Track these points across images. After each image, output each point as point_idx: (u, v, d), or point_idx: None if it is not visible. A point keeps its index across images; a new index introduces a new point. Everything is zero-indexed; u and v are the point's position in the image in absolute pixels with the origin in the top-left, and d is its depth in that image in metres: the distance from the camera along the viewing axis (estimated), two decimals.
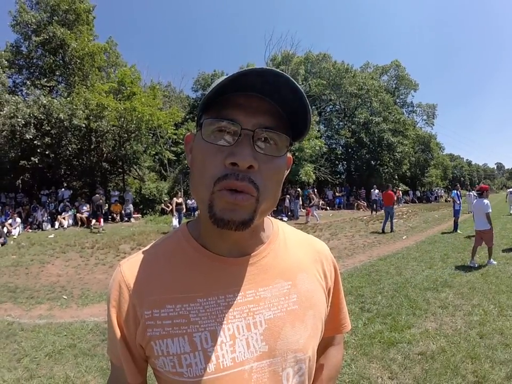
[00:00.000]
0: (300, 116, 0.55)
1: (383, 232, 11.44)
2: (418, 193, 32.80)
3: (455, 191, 11.74)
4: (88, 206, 13.53)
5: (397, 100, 33.97)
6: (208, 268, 0.61)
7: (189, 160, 0.62)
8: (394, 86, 34.50)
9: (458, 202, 11.15)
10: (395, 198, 14.08)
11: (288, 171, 0.65)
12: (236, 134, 0.52)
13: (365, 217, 16.24)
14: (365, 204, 21.23)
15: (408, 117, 33.28)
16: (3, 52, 15.41)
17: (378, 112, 26.03)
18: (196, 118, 0.61)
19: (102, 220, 12.06)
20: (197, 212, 14.35)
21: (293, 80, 0.51)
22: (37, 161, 13.42)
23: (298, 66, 23.44)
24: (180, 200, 12.19)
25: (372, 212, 17.87)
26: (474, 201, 7.18)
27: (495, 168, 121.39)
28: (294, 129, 0.57)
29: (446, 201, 32.58)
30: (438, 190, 36.82)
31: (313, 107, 24.16)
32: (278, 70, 0.50)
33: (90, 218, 12.53)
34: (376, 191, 18.07)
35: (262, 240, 0.66)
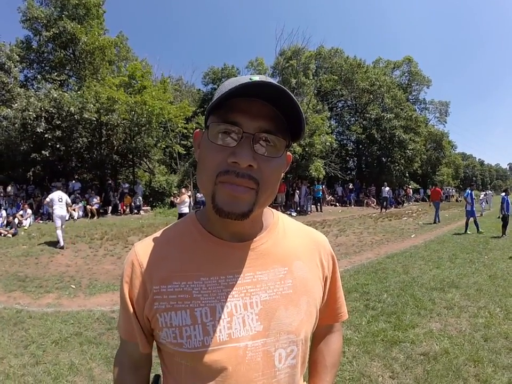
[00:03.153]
0: (295, 121, 0.61)
1: (435, 223, 13.42)
2: (429, 192, 32.33)
3: (469, 191, 11.39)
4: (98, 198, 13.72)
5: (409, 97, 33.34)
6: (212, 250, 0.67)
7: (196, 155, 0.68)
8: (406, 82, 33.88)
9: (470, 202, 10.84)
10: (442, 194, 15.82)
11: (288, 167, 0.71)
12: (237, 136, 0.58)
13: (374, 214, 16.11)
14: (375, 201, 21.05)
15: (420, 114, 32.62)
16: (14, 47, 15.61)
17: (390, 109, 25.60)
18: (205, 113, 0.66)
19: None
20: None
21: (289, 91, 0.57)
22: (47, 154, 13.60)
23: (309, 61, 23.13)
24: (189, 193, 12.29)
25: (381, 210, 17.69)
26: None
27: (508, 168, 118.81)
28: (292, 130, 0.63)
29: (456, 200, 32.09)
30: (449, 189, 36.23)
31: (325, 102, 23.92)
32: (276, 83, 0.56)
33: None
34: (387, 188, 17.90)
35: (262, 228, 0.72)
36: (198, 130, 0.70)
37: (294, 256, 0.71)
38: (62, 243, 7.76)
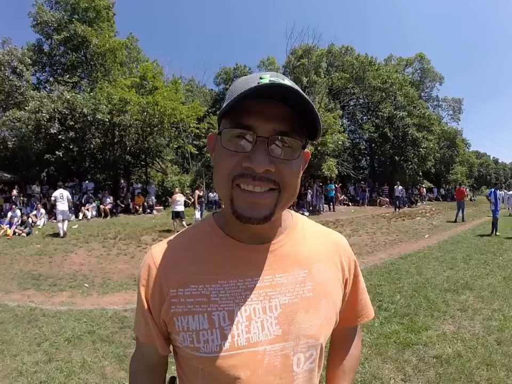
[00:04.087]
0: (309, 121, 0.59)
1: (455, 221, 13.70)
2: (442, 191, 31.73)
3: (493, 189, 10.79)
4: (111, 197, 13.90)
5: (422, 94, 32.83)
6: (230, 253, 0.67)
7: (212, 158, 0.67)
8: (419, 79, 33.33)
9: (493, 202, 10.35)
10: (466, 194, 15.97)
11: (306, 165, 0.69)
12: (251, 141, 0.56)
13: (387, 214, 15.92)
14: (388, 201, 20.79)
15: (433, 111, 32.09)
16: (26, 51, 15.93)
17: (403, 107, 25.22)
18: (217, 117, 0.66)
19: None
20: (220, 204, 14.51)
21: (301, 91, 0.55)
22: (61, 155, 13.86)
23: (320, 59, 22.97)
24: (202, 193, 12.36)
25: (395, 209, 17.48)
26: None
27: None
28: (308, 130, 0.61)
29: (471, 200, 31.38)
30: (463, 188, 35.46)
31: (336, 101, 23.72)
32: (287, 83, 0.55)
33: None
34: (400, 187, 17.70)
35: (281, 230, 0.70)
36: (211, 133, 0.69)
37: (314, 259, 0.70)
38: (61, 234, 8.88)
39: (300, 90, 0.54)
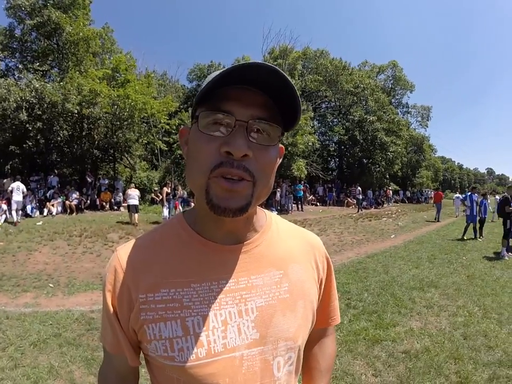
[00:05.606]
0: (290, 107, 0.57)
1: (438, 220, 15.60)
2: (408, 194, 33.18)
3: (469, 194, 10.60)
4: (77, 193, 13.37)
5: (392, 100, 34.06)
6: (202, 254, 0.62)
7: (184, 151, 0.64)
8: (390, 86, 34.57)
9: (469, 206, 10.16)
10: (443, 196, 17.49)
11: (281, 160, 0.66)
12: (230, 125, 0.54)
13: (354, 215, 16.37)
14: (355, 201, 21.40)
15: (402, 117, 33.39)
16: None
17: (373, 111, 26.06)
18: (190, 110, 0.64)
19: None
20: (189, 202, 14.28)
21: (283, 72, 0.52)
22: (29, 146, 13.20)
23: (296, 61, 23.27)
24: (170, 190, 12.29)
25: (358, 210, 18.13)
26: None
27: (486, 173, 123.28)
28: (285, 120, 0.59)
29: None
30: (428, 191, 37.23)
31: (309, 103, 24.06)
32: (269, 63, 0.51)
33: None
34: (359, 188, 18.52)
35: (255, 229, 0.67)
36: (183, 127, 0.65)
37: (289, 259, 0.68)
38: (15, 220, 9.91)
39: (281, 70, 0.52)
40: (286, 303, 0.64)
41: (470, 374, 2.83)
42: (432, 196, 36.47)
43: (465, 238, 10.15)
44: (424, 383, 2.69)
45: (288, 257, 0.68)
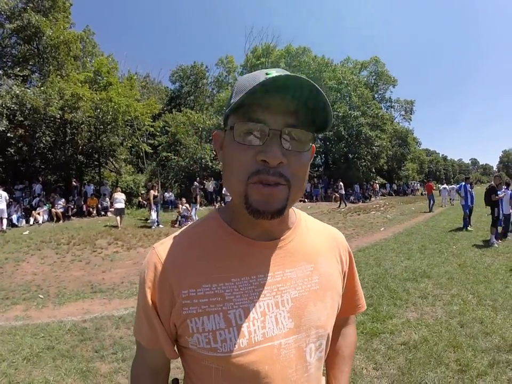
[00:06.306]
0: (320, 112, 0.59)
1: (431, 211, 16.04)
2: (395, 186, 33.69)
3: (463, 184, 10.54)
4: (63, 200, 13.10)
5: (376, 95, 34.54)
6: (240, 250, 0.67)
7: (220, 156, 0.67)
8: (373, 81, 35.02)
9: (463, 196, 10.18)
10: (433, 188, 17.81)
11: (312, 158, 0.70)
12: (264, 134, 0.57)
13: (343, 210, 16.46)
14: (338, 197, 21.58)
15: (386, 112, 33.91)
16: None
17: (357, 107, 26.37)
18: (224, 114, 0.65)
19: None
20: (177, 204, 14.12)
21: (312, 81, 0.55)
22: (12, 153, 12.89)
23: (278, 59, 23.37)
24: (157, 193, 12.23)
25: (339, 205, 18.23)
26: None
27: (470, 163, 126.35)
28: (315, 124, 0.62)
29: (422, 194, 33.62)
30: (414, 183, 37.92)
31: None
32: (298, 75, 0.55)
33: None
34: (341, 183, 18.64)
35: (288, 226, 0.72)
36: (217, 131, 0.69)
37: (318, 253, 0.73)
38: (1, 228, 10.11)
39: (311, 81, 0.55)
40: (316, 294, 0.69)
41: (470, 361, 2.85)
42: (418, 187, 37.54)
43: (469, 229, 9.97)
44: (425, 373, 2.69)
45: (316, 251, 0.73)
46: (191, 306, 0.63)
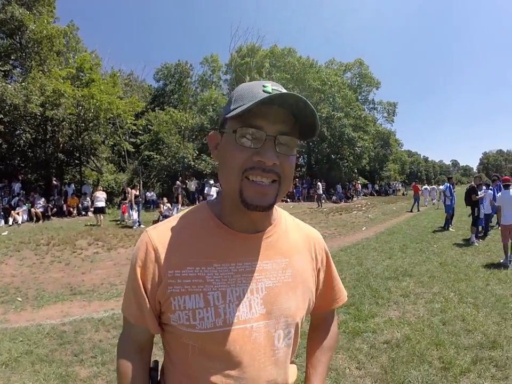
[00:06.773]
0: (309, 123, 0.69)
1: (417, 211, 16.43)
2: (376, 187, 34.29)
3: (447, 184, 10.74)
4: (43, 200, 12.73)
5: (359, 97, 35.01)
6: (224, 240, 0.74)
7: (214, 155, 0.76)
8: (357, 83, 35.49)
9: (449, 196, 10.30)
10: (420, 189, 18.97)
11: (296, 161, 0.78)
12: (261, 138, 0.66)
13: (325, 209, 16.55)
14: (324, 196, 21.73)
15: (369, 113, 34.42)
16: None
17: (341, 108, 26.62)
18: (222, 119, 0.73)
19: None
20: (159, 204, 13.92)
21: (305, 98, 0.64)
22: None
23: (263, 60, 23.37)
24: (138, 192, 12.11)
25: (318, 205, 18.27)
26: (499, 194, 6.86)
27: (451, 164, 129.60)
28: (304, 132, 0.72)
29: (403, 194, 34.34)
30: (395, 183, 38.66)
31: None
32: (293, 93, 0.64)
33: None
34: (319, 183, 18.86)
35: (270, 222, 0.79)
36: (213, 132, 0.76)
37: (293, 250, 0.80)
38: None
39: (304, 98, 0.64)
40: (289, 286, 0.76)
41: (453, 358, 2.88)
42: (400, 188, 38.31)
43: (450, 229, 10.18)
44: (408, 371, 2.71)
45: (292, 248, 0.80)
46: (175, 286, 0.70)
